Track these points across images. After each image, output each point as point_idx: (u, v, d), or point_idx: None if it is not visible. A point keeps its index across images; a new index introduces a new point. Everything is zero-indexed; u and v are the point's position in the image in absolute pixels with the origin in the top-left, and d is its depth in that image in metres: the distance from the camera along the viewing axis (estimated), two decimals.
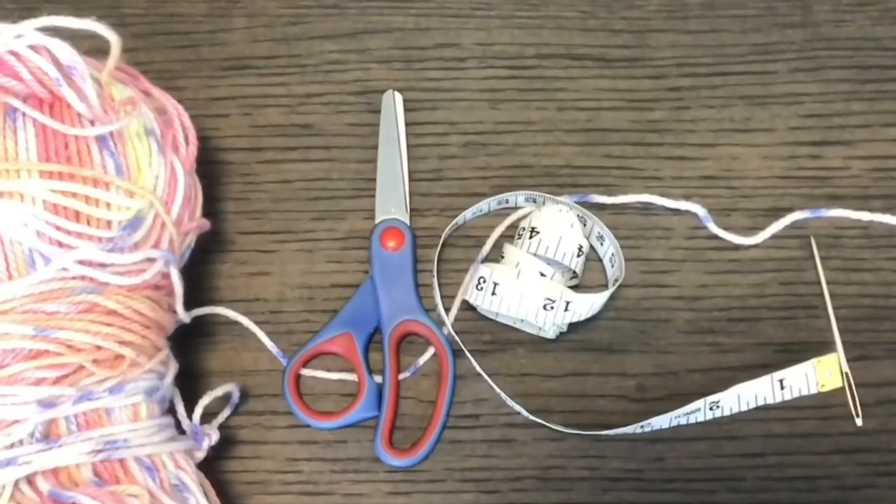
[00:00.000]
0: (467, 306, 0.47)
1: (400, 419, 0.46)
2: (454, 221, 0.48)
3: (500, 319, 0.47)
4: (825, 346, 0.46)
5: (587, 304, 0.45)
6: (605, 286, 0.47)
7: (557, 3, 0.53)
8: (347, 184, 0.49)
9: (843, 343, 0.46)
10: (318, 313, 0.47)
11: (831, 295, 0.47)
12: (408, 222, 0.48)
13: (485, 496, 0.45)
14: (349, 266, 0.48)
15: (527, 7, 0.53)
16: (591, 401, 0.46)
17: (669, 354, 0.46)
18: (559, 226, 0.45)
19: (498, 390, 0.45)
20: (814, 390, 0.45)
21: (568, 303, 0.44)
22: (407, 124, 0.50)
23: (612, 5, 0.53)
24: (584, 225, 0.47)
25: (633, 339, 0.47)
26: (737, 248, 0.48)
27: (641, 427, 0.44)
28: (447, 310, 0.47)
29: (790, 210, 0.49)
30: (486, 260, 0.48)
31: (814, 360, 0.45)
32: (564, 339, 0.47)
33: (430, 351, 0.47)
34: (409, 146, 0.50)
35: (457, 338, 0.46)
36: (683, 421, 0.44)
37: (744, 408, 0.45)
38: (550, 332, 0.46)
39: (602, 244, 0.48)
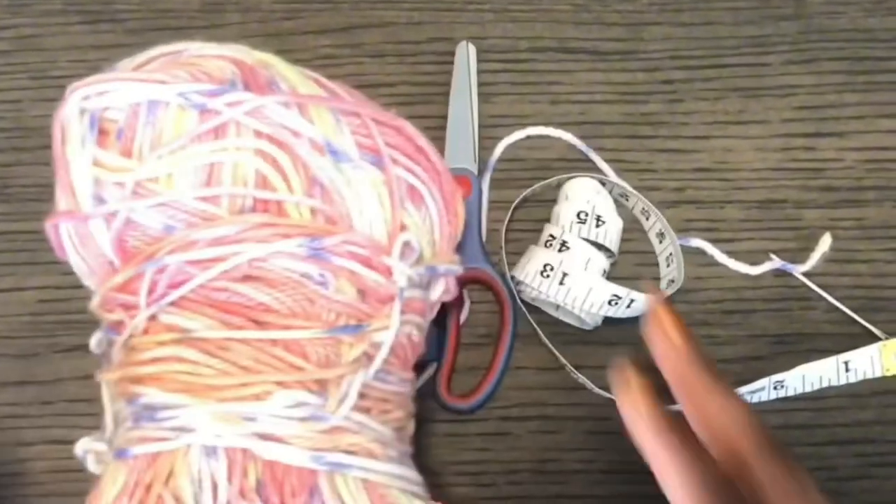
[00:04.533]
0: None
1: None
2: (531, 189, 0.48)
3: (538, 304, 0.47)
4: (820, 338, 0.46)
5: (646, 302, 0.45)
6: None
7: None
8: None
9: (836, 335, 0.46)
10: None
11: (824, 287, 0.47)
12: (476, 172, 0.48)
13: (480, 489, 0.45)
14: None
15: (520, 1, 0.52)
16: (587, 394, 0.46)
17: None
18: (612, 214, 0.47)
19: (562, 360, 0.45)
20: (878, 373, 0.45)
21: (632, 301, 0.44)
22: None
23: None
24: (648, 219, 0.48)
25: (628, 332, 0.47)
26: (731, 240, 0.48)
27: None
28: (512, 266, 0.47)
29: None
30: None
31: (879, 344, 0.45)
32: (554, 331, 0.47)
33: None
34: None
35: (518, 296, 0.46)
36: (746, 399, 0.44)
37: (808, 388, 0.45)
38: (591, 323, 0.46)
39: (661, 242, 0.48)
